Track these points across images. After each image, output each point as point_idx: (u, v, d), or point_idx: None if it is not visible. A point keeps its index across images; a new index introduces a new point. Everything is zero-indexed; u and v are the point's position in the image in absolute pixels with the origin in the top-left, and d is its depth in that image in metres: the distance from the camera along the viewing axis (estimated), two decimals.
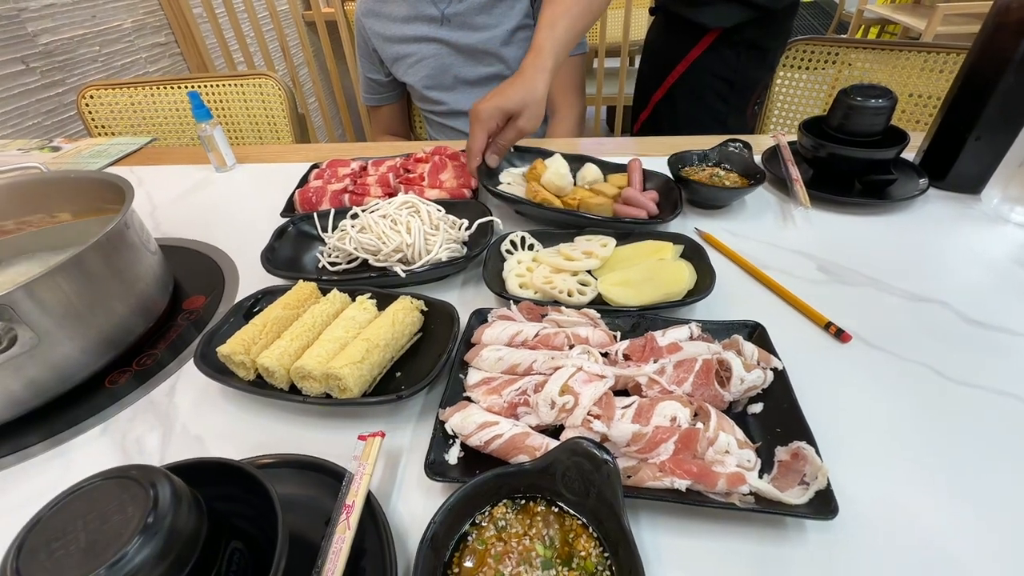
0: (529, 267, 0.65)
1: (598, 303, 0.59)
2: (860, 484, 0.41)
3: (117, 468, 0.28)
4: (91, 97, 1.34)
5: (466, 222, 0.70)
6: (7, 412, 0.50)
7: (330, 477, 0.41)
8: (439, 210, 0.70)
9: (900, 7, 2.96)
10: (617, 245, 0.66)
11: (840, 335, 0.55)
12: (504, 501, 0.38)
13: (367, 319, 0.55)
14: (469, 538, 0.36)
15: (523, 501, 0.38)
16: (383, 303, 0.57)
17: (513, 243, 0.68)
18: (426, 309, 0.57)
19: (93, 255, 0.52)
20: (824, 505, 0.37)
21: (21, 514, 0.27)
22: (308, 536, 0.38)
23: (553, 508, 0.38)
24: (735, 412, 0.46)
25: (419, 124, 1.49)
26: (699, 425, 0.41)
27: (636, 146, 1.01)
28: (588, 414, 0.42)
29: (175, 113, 1.37)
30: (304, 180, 0.88)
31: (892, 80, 1.20)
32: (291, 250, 0.71)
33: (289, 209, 0.81)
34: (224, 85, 1.35)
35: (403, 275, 0.63)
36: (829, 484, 0.37)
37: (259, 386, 0.51)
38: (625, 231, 0.68)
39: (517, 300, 0.57)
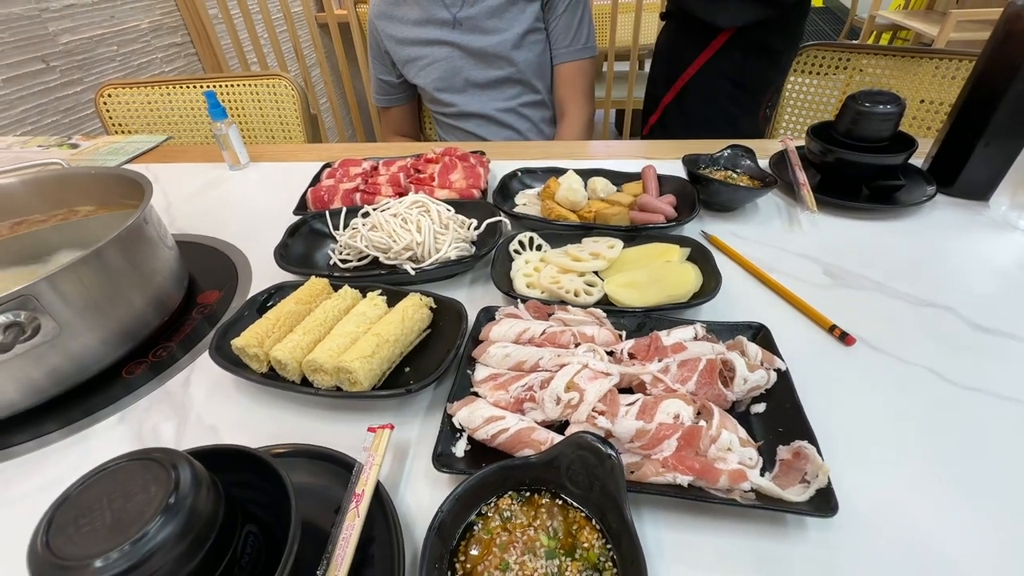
0: (536, 267, 0.66)
1: (604, 304, 0.59)
2: (861, 484, 0.42)
3: (141, 450, 0.30)
4: (109, 96, 1.37)
5: (475, 222, 0.71)
6: (29, 399, 0.52)
7: (340, 467, 0.42)
8: (449, 210, 0.71)
9: (913, 13, 2.95)
10: (624, 247, 0.67)
11: (844, 338, 0.55)
12: (510, 493, 0.39)
13: (377, 315, 0.56)
14: (475, 528, 0.37)
15: (528, 493, 0.39)
16: (393, 300, 0.58)
17: (521, 243, 0.69)
18: (435, 306, 0.58)
19: (113, 249, 0.54)
20: (824, 503, 0.37)
21: (40, 498, 0.28)
22: (319, 523, 0.39)
23: (557, 500, 0.39)
24: (738, 412, 0.47)
25: (429, 125, 1.50)
26: (702, 423, 0.42)
27: (645, 149, 1.02)
28: (593, 410, 0.43)
29: (190, 112, 1.39)
30: (316, 179, 0.90)
31: (903, 86, 1.19)
32: (303, 247, 0.73)
33: (302, 207, 0.83)
34: (238, 85, 1.37)
35: (413, 273, 0.64)
36: (830, 483, 0.38)
37: (272, 378, 0.52)
38: (632, 234, 0.69)
39: (524, 299, 0.58)
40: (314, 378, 0.51)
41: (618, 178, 0.82)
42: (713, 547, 0.39)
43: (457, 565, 0.35)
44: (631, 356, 0.50)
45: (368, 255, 0.68)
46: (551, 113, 1.29)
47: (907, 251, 0.69)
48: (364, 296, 0.59)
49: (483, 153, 0.92)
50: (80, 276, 0.51)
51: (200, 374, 0.57)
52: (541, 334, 0.52)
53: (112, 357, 0.56)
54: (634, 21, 1.99)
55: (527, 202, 0.82)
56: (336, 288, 0.60)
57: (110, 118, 1.39)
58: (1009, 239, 0.70)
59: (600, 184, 0.79)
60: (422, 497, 0.43)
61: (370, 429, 0.44)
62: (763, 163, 0.84)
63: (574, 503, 0.38)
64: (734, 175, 0.82)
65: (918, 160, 0.81)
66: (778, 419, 0.45)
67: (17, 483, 0.47)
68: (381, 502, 0.39)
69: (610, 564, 0.35)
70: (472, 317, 0.56)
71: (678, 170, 0.82)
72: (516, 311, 0.56)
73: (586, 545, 0.36)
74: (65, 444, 0.50)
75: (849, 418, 0.48)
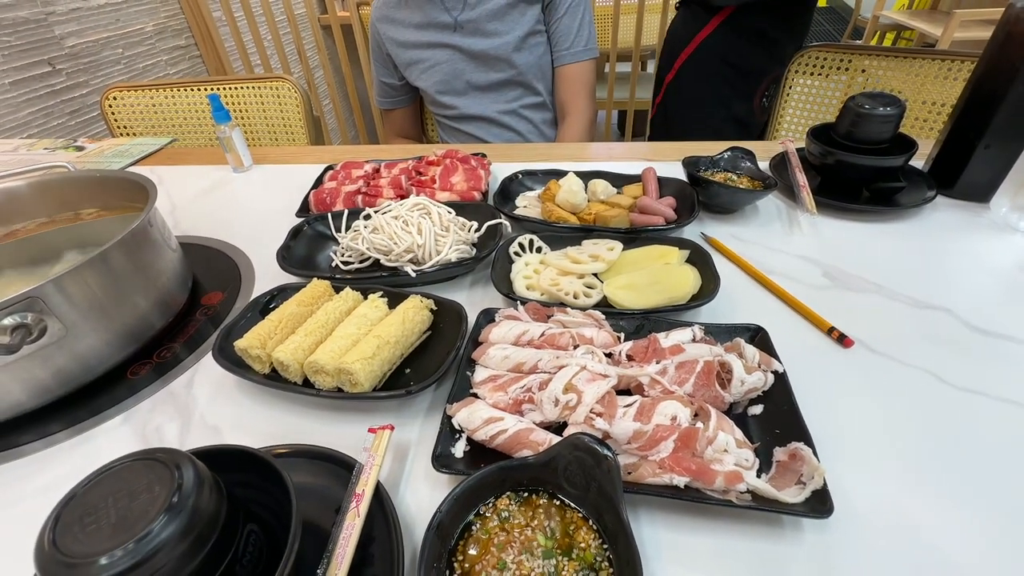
0: (536, 269, 0.66)
1: (603, 306, 0.60)
2: (858, 486, 0.42)
3: (145, 450, 0.30)
4: (114, 98, 1.38)
5: (475, 224, 0.72)
6: (35, 400, 0.52)
7: (341, 467, 0.42)
8: (449, 212, 0.72)
9: (916, 13, 2.93)
10: (624, 249, 0.67)
11: (842, 340, 0.55)
12: (508, 493, 0.39)
13: (378, 317, 0.56)
14: (473, 527, 0.37)
15: (526, 494, 0.39)
16: (394, 302, 0.59)
17: (521, 245, 0.69)
18: (435, 308, 0.59)
19: (118, 252, 0.55)
20: (820, 504, 0.38)
21: (46, 498, 0.28)
22: (319, 523, 0.39)
23: (555, 501, 0.39)
24: (735, 413, 0.47)
25: (431, 127, 1.51)
26: (699, 424, 0.43)
27: (646, 151, 1.02)
28: (591, 412, 0.43)
29: (194, 114, 1.40)
30: (319, 181, 0.90)
31: (906, 87, 1.19)
32: (306, 249, 0.73)
33: (304, 209, 0.83)
34: (242, 87, 1.38)
35: (414, 275, 0.65)
36: (825, 484, 0.38)
37: (274, 379, 0.53)
38: (631, 236, 0.69)
39: (524, 301, 0.59)
40: (315, 379, 0.51)
41: (619, 180, 0.83)
42: (709, 548, 0.39)
43: (455, 564, 0.36)
44: (629, 358, 0.50)
45: (369, 257, 0.69)
46: (552, 115, 1.30)
47: (907, 253, 0.69)
48: (365, 298, 0.60)
49: (484, 155, 0.93)
50: (86, 278, 0.52)
51: (203, 375, 0.58)
52: (540, 336, 0.53)
53: (117, 358, 0.57)
54: (636, 22, 1.99)
55: (528, 204, 0.82)
56: (337, 290, 0.61)
57: (115, 120, 1.40)
58: (1009, 241, 0.70)
59: (600, 186, 0.79)
60: (422, 497, 0.44)
61: (370, 430, 0.44)
62: (763, 165, 0.84)
63: (571, 503, 0.39)
64: (734, 177, 0.82)
65: (918, 162, 0.81)
66: (775, 421, 0.45)
67: (24, 482, 0.48)
68: (381, 502, 0.40)
69: (606, 564, 0.35)
70: (472, 319, 0.57)
71: (678, 172, 0.82)
72: (516, 313, 0.56)
73: (583, 545, 0.36)
74: (71, 444, 0.51)
75: (847, 420, 0.48)
